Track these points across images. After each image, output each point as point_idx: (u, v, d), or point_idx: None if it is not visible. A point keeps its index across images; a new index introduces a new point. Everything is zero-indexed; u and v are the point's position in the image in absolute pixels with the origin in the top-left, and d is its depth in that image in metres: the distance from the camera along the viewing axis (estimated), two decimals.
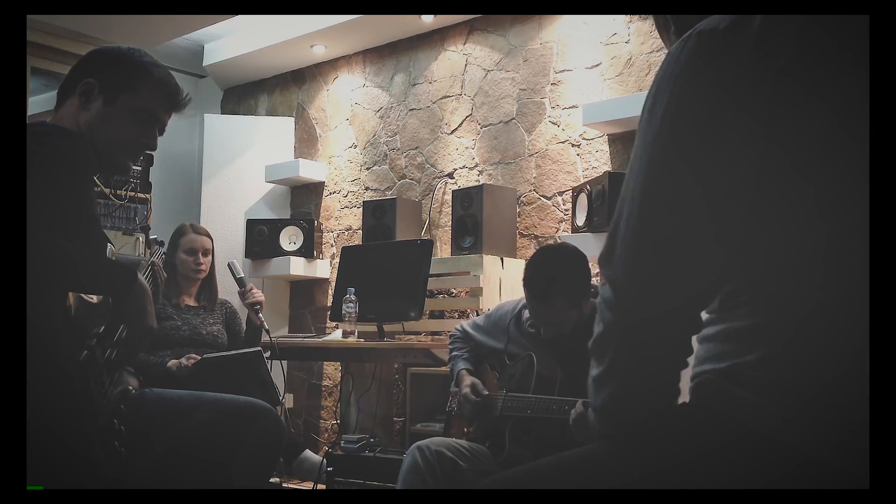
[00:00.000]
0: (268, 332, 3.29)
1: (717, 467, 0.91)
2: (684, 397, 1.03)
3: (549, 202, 4.07)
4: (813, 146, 0.90)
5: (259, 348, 3.16)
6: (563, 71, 4.08)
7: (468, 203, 3.94)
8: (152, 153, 4.31)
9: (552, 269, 2.40)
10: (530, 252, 3.70)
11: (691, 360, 1.04)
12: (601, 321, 1.00)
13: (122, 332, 1.73)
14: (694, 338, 1.02)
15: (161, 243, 2.64)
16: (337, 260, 4.74)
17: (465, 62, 4.49)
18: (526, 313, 2.57)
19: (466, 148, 4.44)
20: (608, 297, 0.98)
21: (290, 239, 4.75)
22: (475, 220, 3.89)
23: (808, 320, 0.91)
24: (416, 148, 4.67)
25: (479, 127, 4.39)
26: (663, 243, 0.94)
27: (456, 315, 4.25)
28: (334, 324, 4.12)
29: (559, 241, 3.75)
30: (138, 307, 1.67)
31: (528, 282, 2.42)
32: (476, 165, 4.38)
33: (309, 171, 5.02)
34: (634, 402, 0.99)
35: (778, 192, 0.92)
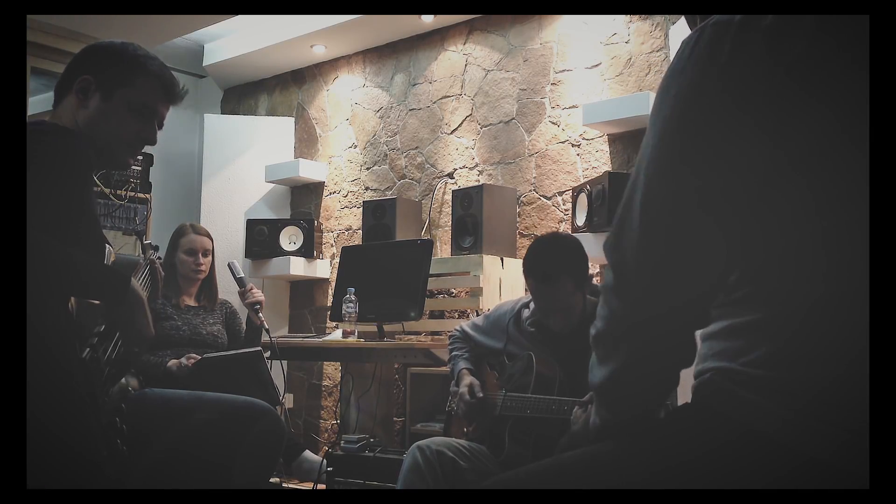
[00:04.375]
0: (268, 331, 3.29)
1: (718, 467, 0.91)
2: (687, 397, 1.03)
3: (549, 202, 4.07)
4: (815, 143, 0.90)
5: (259, 348, 3.16)
6: (563, 71, 4.08)
7: (468, 203, 3.94)
8: (152, 153, 4.33)
9: (554, 250, 2.40)
10: None
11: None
12: (606, 309, 1.00)
13: (119, 337, 1.73)
14: (697, 335, 1.03)
15: (156, 248, 2.62)
16: (337, 260, 4.74)
17: (465, 62, 4.48)
18: (525, 312, 2.56)
19: (466, 148, 4.44)
20: (613, 284, 0.98)
21: (290, 239, 4.75)
22: (475, 220, 3.89)
23: (810, 317, 0.90)
24: (416, 148, 4.67)
25: (479, 127, 4.39)
26: (673, 233, 0.95)
27: (456, 315, 4.25)
28: (334, 324, 4.12)
29: None
30: (130, 318, 1.64)
31: (531, 268, 2.39)
32: (476, 165, 4.38)
33: (309, 171, 5.02)
34: (637, 399, 0.99)
35: (780, 186, 0.92)
